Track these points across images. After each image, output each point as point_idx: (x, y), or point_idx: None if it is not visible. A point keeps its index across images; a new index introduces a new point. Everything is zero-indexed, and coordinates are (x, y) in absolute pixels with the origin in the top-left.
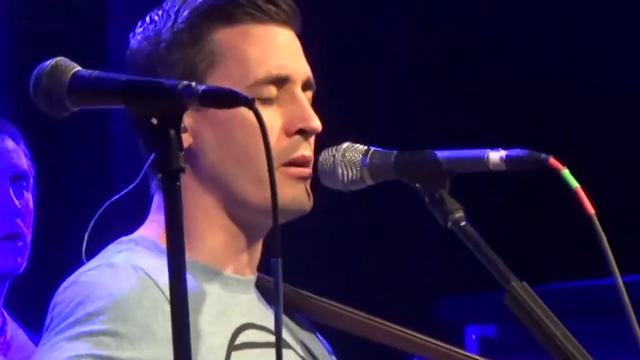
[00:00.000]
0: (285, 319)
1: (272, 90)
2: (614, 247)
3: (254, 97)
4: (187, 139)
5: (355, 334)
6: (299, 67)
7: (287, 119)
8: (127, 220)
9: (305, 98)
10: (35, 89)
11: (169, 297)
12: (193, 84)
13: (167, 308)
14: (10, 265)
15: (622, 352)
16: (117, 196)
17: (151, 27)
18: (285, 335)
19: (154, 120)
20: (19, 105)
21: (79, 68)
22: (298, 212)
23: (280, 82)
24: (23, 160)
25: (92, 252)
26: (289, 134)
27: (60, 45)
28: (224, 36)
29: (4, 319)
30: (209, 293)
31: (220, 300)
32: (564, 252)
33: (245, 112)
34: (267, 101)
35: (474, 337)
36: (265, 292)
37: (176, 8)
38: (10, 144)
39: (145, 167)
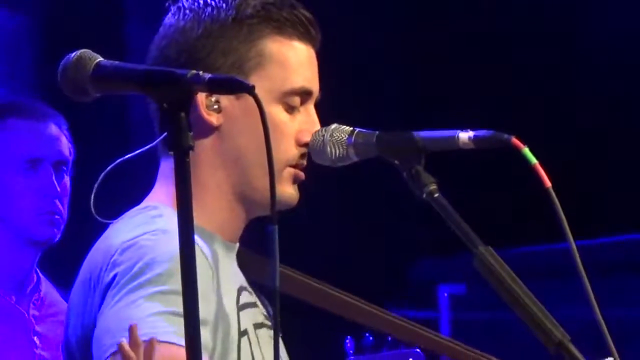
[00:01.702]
0: (245, 280)
1: (297, 101)
2: (568, 216)
3: (285, 101)
4: (218, 119)
5: (313, 304)
6: (318, 85)
7: (300, 130)
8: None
9: (315, 114)
10: (62, 76)
11: (204, 259)
12: (201, 72)
13: (208, 271)
14: (48, 234)
15: (575, 307)
16: (120, 160)
17: (207, 10)
18: (252, 294)
19: (165, 105)
20: (47, 93)
21: (101, 59)
22: (289, 206)
23: (306, 94)
24: (65, 147)
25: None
26: (299, 143)
27: (84, 41)
28: (274, 44)
29: (39, 277)
30: (218, 255)
31: (224, 262)
32: (524, 220)
33: (277, 111)
34: (292, 108)
35: (445, 294)
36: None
37: (237, 2)
38: (54, 130)
39: (156, 141)
